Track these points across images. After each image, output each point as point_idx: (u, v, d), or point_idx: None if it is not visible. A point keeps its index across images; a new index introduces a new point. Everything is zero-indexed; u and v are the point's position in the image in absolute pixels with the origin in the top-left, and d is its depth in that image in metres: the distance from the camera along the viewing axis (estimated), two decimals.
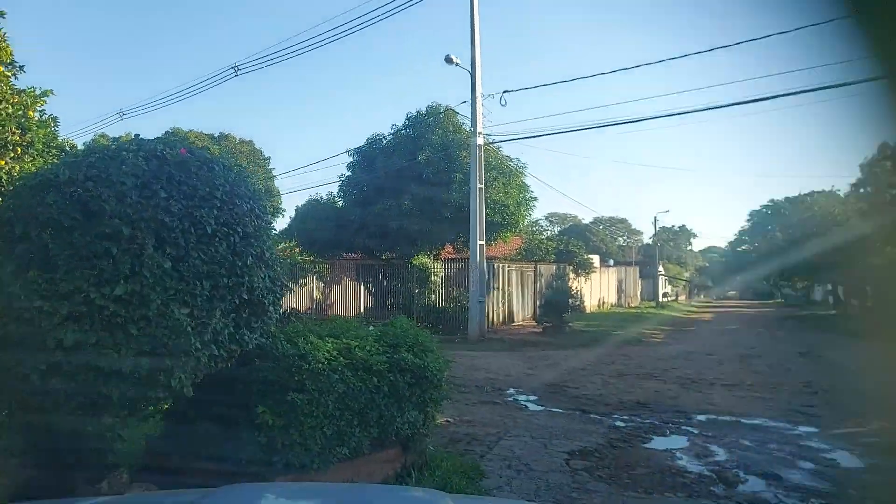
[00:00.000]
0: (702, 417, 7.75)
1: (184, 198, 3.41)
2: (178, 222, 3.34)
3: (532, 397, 9.10)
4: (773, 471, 5.52)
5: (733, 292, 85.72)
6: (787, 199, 42.59)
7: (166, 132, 36.08)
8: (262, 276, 3.75)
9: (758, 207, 48.87)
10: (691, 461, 5.87)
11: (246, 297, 3.64)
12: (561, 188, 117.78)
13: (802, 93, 12.41)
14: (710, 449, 6.28)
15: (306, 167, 75.39)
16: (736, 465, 5.68)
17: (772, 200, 46.66)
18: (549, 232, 57.84)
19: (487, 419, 7.46)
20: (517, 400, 8.87)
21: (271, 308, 3.92)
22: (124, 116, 25.39)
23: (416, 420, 4.51)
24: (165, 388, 3.42)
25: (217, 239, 3.47)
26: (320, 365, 3.81)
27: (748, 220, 50.65)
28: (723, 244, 64.10)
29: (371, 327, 4.80)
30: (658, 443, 6.57)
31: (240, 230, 3.59)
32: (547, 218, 69.26)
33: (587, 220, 66.80)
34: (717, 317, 34.97)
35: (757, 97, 14.33)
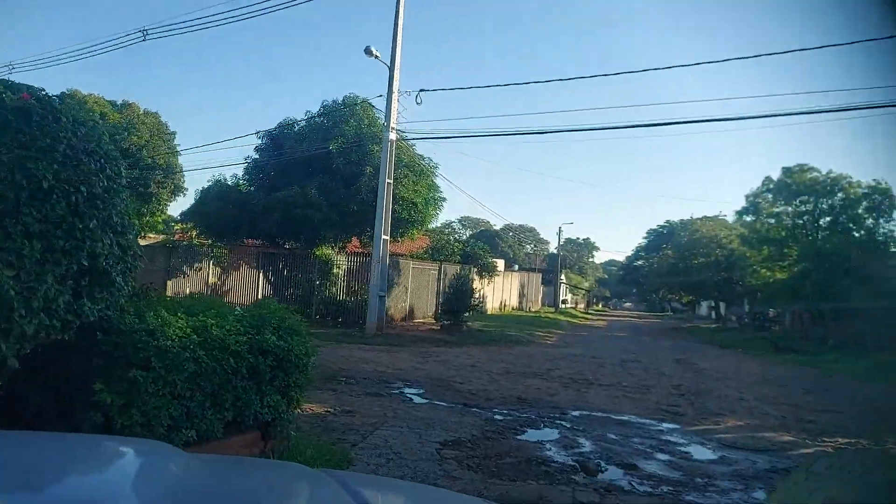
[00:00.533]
0: (576, 413, 8.06)
1: (18, 146, 3.08)
2: (9, 173, 3.02)
3: (418, 391, 9.10)
4: (632, 461, 5.81)
5: (629, 304, 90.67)
6: (680, 220, 45.65)
7: (62, 93, 33.26)
8: (109, 241, 3.46)
9: (654, 226, 52.12)
10: (558, 452, 6.06)
11: (86, 263, 3.34)
12: (473, 194, 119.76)
13: (699, 122, 13.26)
14: (578, 441, 6.53)
15: (212, 144, 71.82)
16: (599, 456, 5.93)
17: (668, 221, 50.08)
18: (461, 235, 58.71)
19: (368, 410, 7.37)
20: (402, 393, 8.84)
21: (119, 279, 3.64)
22: (13, 69, 22.98)
23: (277, 404, 4.34)
24: None
25: (55, 196, 3.16)
26: (170, 342, 3.57)
27: (645, 238, 53.99)
28: (622, 258, 67.65)
29: (237, 309, 4.57)
30: (530, 435, 6.75)
31: (84, 190, 3.29)
32: (460, 221, 70.26)
33: (498, 226, 68.35)
34: (609, 324, 36.80)
35: (656, 122, 15.24)
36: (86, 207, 3.32)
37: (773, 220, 25.67)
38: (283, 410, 4.42)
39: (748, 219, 28.09)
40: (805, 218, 24.71)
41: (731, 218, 35.34)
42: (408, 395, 8.67)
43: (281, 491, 1.59)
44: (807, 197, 24.36)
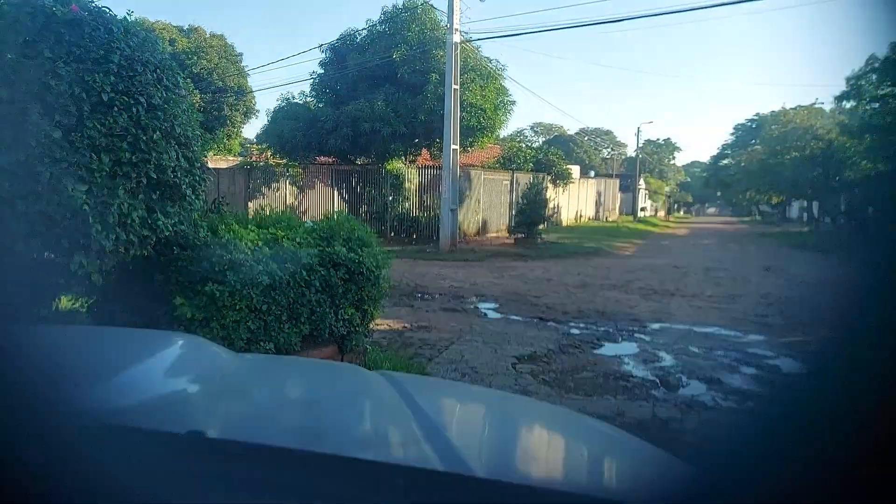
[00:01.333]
0: (656, 326, 7.80)
1: (74, 60, 3.00)
2: (68, 87, 2.95)
3: (493, 305, 9.08)
4: (716, 376, 5.56)
5: (713, 209, 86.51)
6: (772, 113, 41.91)
7: (125, 17, 33.79)
8: (175, 154, 3.41)
9: (742, 121, 48.22)
10: (637, 366, 5.89)
11: (155, 176, 3.31)
12: (545, 96, 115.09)
13: None
14: (658, 355, 6.31)
15: (279, 62, 71.96)
16: (680, 371, 5.71)
17: (757, 114, 46.00)
18: (533, 142, 57.02)
19: (444, 325, 7.41)
20: (478, 308, 8.84)
21: (189, 192, 3.61)
22: None
23: (352, 318, 4.35)
24: (68, 274, 3.17)
25: (116, 108, 3.10)
26: (242, 255, 3.56)
27: (732, 134, 50.15)
28: (706, 159, 63.71)
29: (308, 221, 4.52)
30: (608, 349, 6.59)
31: (143, 101, 3.21)
32: (532, 128, 68.13)
33: (573, 130, 65.81)
34: (692, 232, 35.34)
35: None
36: (147, 119, 3.25)
37: (877, 105, 22.92)
38: (357, 324, 4.43)
39: (849, 105, 25.29)
40: None
41: (828, 106, 32.27)
42: (483, 310, 8.66)
43: (327, 384, 1.59)
44: None
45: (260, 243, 3.67)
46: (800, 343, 6.94)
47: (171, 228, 3.55)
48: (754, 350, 6.61)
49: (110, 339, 1.80)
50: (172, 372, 1.47)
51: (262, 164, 23.74)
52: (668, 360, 6.14)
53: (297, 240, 3.88)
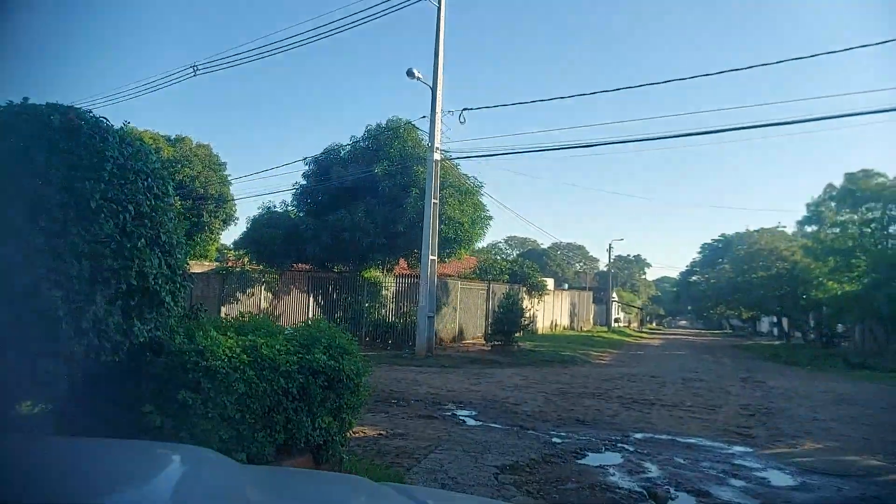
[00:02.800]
0: (639, 435, 7.63)
1: (66, 167, 3.07)
2: (57, 194, 3.00)
3: (471, 413, 8.84)
4: (704, 488, 5.39)
5: (684, 321, 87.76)
6: (736, 233, 43.88)
7: (120, 128, 34.80)
8: (157, 261, 3.41)
9: (709, 241, 50.29)
10: (623, 477, 5.69)
11: (136, 283, 3.29)
12: (520, 212, 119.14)
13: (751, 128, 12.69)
14: (644, 466, 6.13)
15: (261, 172, 73.71)
16: (667, 482, 5.53)
17: (723, 235, 48.13)
18: (508, 254, 58.22)
19: (421, 433, 7.16)
20: (455, 415, 8.59)
21: (168, 299, 3.57)
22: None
23: (329, 426, 4.19)
24: (33, 379, 3.04)
25: (103, 216, 3.13)
26: (219, 362, 3.47)
27: (700, 252, 52.09)
28: (675, 274, 65.61)
29: (288, 328, 4.47)
30: (592, 459, 6.39)
31: (131, 209, 3.25)
32: (506, 241, 69.91)
33: (546, 244, 67.58)
34: (665, 343, 35.54)
35: (704, 130, 14.71)
36: (133, 226, 3.28)
37: (837, 230, 24.32)
38: (335, 433, 4.27)
39: (810, 229, 26.73)
40: (873, 226, 23.31)
41: (791, 229, 33.92)
42: (461, 418, 8.42)
43: (346, 500, 1.53)
44: (873, 204, 22.99)
45: (238, 350, 3.60)
46: (785, 455, 6.83)
47: (146, 335, 3.48)
48: (740, 462, 6.47)
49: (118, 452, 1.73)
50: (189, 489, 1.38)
51: (237, 269, 23.74)
52: (653, 470, 5.96)
53: (277, 347, 3.81)
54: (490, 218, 20.12)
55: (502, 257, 38.40)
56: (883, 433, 8.38)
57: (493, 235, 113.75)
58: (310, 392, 3.90)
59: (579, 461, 6.25)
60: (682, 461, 6.36)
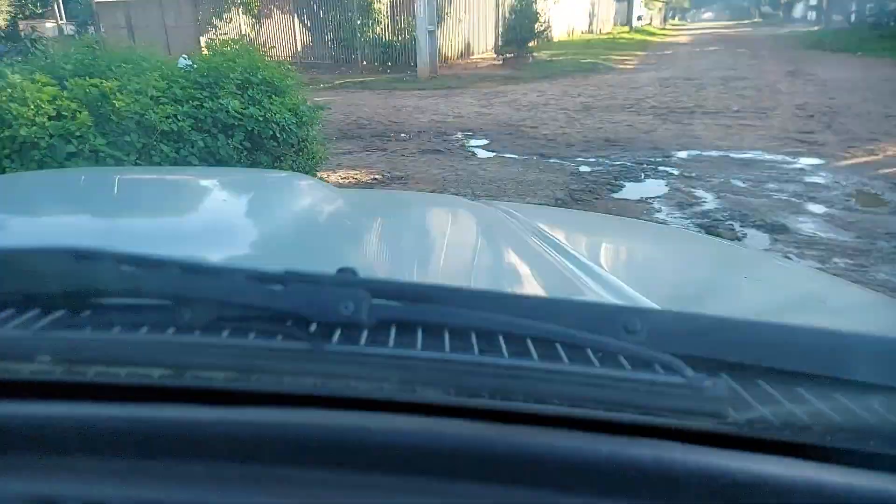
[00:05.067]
0: (683, 154, 6.40)
1: None
2: None
3: (483, 142, 7.59)
4: (778, 220, 4.30)
5: (709, 13, 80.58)
6: None
7: None
8: None
9: None
10: (672, 212, 4.62)
11: None
12: None
13: None
14: (696, 195, 5.01)
15: None
16: (730, 216, 4.45)
17: None
18: None
19: (424, 173, 6.01)
20: (464, 146, 7.36)
21: None
22: None
23: None
24: None
25: None
26: (25, 130, 2.05)
27: None
28: None
29: (185, 59, 2.89)
30: (631, 190, 5.27)
31: None
32: None
33: None
34: (694, 39, 32.32)
35: None
36: None
37: None
38: None
39: None
40: None
41: None
42: (471, 149, 7.20)
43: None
44: None
45: (71, 105, 2.14)
46: (866, 166, 5.61)
47: None
48: (814, 179, 5.30)
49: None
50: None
51: None
52: (709, 200, 4.85)
53: (149, 93, 2.33)
54: None
55: None
56: None
57: None
58: (220, 159, 2.53)
59: (614, 195, 5.13)
60: (741, 184, 5.20)
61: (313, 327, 0.46)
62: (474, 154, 6.92)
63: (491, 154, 6.92)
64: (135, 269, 0.49)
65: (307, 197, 1.30)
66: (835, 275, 3.14)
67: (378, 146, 7.41)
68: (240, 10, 20.14)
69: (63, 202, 1.24)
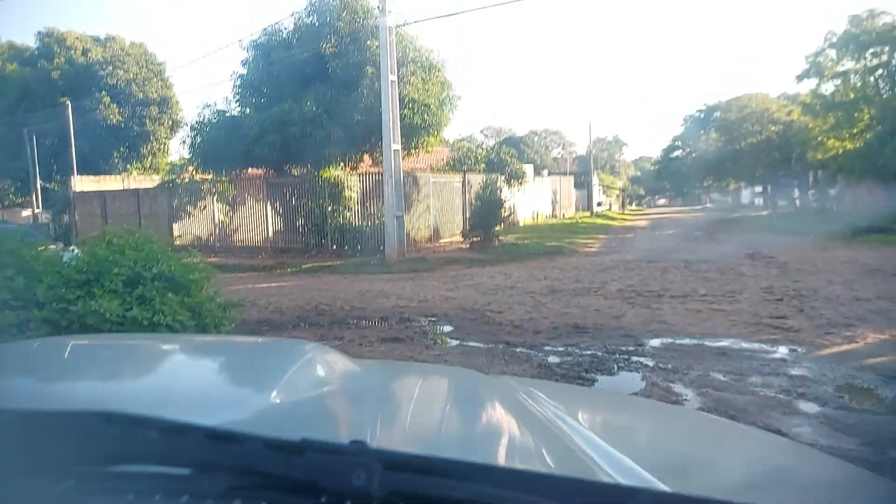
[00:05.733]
0: (655, 342, 6.06)
1: None
2: None
3: (446, 328, 7.22)
4: (770, 422, 3.81)
5: (663, 200, 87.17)
6: (720, 102, 41.40)
7: (39, 32, 30.99)
8: None
9: (692, 112, 47.96)
10: None
11: None
12: (493, 98, 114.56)
13: None
14: (675, 390, 4.55)
15: (196, 61, 68.05)
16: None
17: (706, 105, 45.56)
18: (484, 144, 55.54)
19: None
20: (427, 334, 6.96)
21: None
22: None
23: None
24: None
25: None
26: None
27: (682, 125, 49.88)
28: (655, 154, 63.73)
29: (74, 250, 2.49)
30: (604, 385, 4.80)
31: None
32: (482, 132, 66.90)
33: (522, 132, 65.06)
34: (652, 223, 34.30)
35: None
36: None
37: (838, 81, 22.07)
38: None
39: (809, 83, 24.33)
40: (879, 73, 21.09)
41: (783, 89, 31.92)
42: (433, 337, 6.78)
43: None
44: (880, 48, 20.58)
45: None
46: (850, 355, 5.29)
47: None
48: (799, 371, 4.92)
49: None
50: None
51: (185, 180, 21.33)
52: (690, 398, 4.38)
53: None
54: (458, 98, 17.74)
55: (478, 145, 35.87)
56: None
57: (466, 127, 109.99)
58: None
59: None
60: (722, 378, 4.79)
61: (324, 498, 0.49)
62: (436, 343, 6.49)
63: (454, 342, 6.50)
64: (160, 434, 0.55)
65: (322, 366, 1.34)
66: None
67: (336, 334, 6.96)
68: (214, 198, 20.75)
69: (88, 368, 1.32)
